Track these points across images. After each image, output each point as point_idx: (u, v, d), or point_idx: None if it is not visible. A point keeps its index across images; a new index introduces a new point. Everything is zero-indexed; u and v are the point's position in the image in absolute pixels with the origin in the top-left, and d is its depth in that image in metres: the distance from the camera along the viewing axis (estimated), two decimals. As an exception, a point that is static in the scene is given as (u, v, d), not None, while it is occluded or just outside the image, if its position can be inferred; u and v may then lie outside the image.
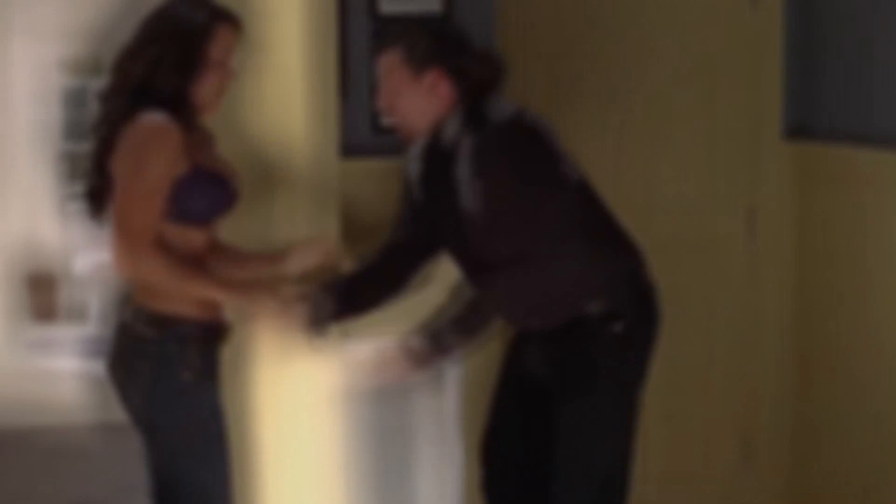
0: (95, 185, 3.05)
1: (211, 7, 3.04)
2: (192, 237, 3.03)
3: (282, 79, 3.58)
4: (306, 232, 3.59)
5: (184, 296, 3.01)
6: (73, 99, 5.95)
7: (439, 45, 3.22)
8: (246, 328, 3.42)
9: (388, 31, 3.70)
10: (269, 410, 3.69)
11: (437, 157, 3.21)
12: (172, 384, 3.00)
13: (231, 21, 3.05)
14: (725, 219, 4.36)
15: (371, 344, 3.41)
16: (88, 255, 5.33)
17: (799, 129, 4.32)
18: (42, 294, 5.92)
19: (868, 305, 3.95)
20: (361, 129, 3.80)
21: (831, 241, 4.15)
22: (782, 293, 4.37)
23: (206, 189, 3.00)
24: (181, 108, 2.99)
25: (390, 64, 3.22)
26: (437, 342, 3.25)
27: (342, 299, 3.44)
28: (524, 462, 3.49)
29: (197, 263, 3.04)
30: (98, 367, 3.27)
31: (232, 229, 3.29)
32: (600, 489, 3.34)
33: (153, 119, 2.93)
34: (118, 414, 3.26)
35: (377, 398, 3.77)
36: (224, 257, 3.26)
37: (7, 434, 5.63)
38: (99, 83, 3.15)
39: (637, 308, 3.20)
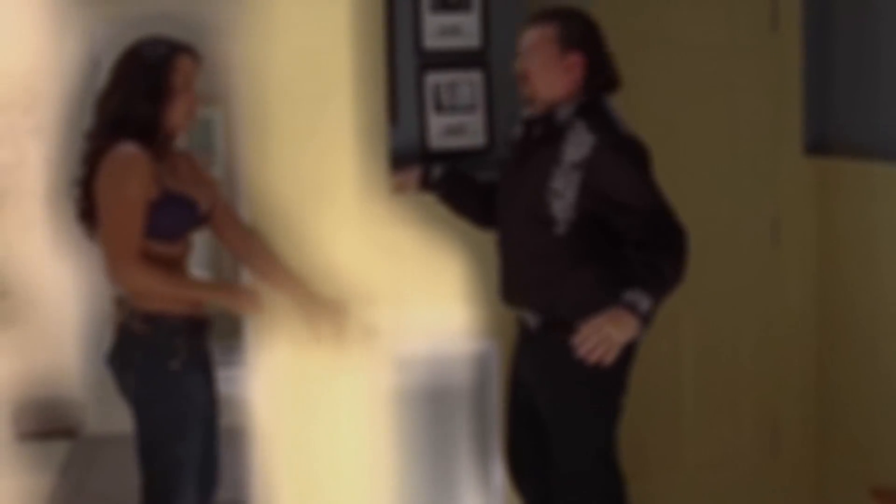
0: (85, 209, 3.31)
1: (169, 42, 3.28)
2: (171, 249, 3.31)
3: (333, 110, 3.64)
4: (352, 255, 3.65)
5: (169, 296, 3.27)
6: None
7: (590, 34, 3.30)
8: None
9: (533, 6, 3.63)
10: (322, 410, 3.73)
11: (549, 130, 3.31)
12: (161, 371, 3.27)
13: (189, 52, 3.29)
14: (752, 228, 4.46)
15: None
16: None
17: (818, 144, 4.41)
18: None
19: (882, 304, 4.07)
20: (410, 153, 3.88)
21: (848, 247, 4.26)
22: (804, 294, 4.47)
23: (174, 211, 3.26)
24: (154, 136, 3.24)
25: (540, 37, 3.29)
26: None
27: (448, 176, 3.62)
28: (540, 463, 3.59)
29: (176, 269, 3.32)
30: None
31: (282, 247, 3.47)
32: (595, 464, 3.43)
33: (126, 149, 3.18)
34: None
35: (421, 401, 3.85)
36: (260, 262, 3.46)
37: (97, 438, 6.03)
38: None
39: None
